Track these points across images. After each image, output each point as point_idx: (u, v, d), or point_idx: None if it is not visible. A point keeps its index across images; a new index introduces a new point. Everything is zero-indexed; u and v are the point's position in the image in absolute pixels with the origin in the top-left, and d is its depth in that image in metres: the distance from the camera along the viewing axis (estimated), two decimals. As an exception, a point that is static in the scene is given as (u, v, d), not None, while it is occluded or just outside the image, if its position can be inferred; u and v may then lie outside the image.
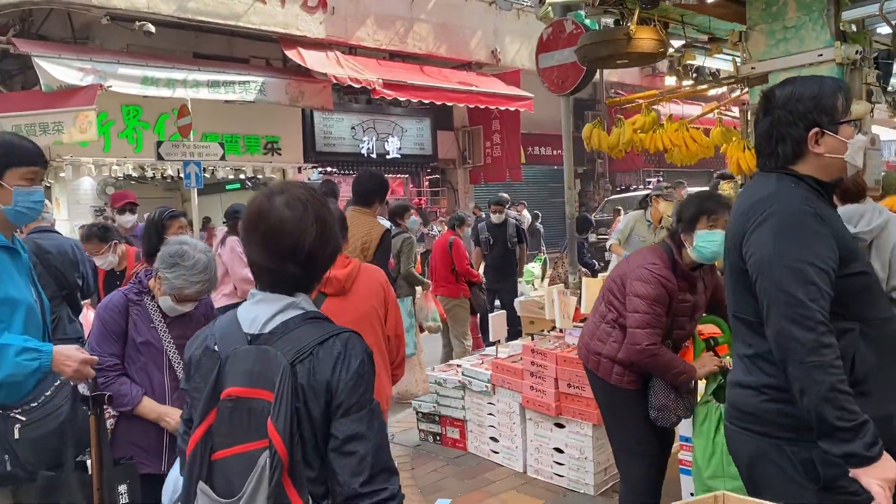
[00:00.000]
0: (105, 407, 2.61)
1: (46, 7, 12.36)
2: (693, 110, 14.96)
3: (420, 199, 18.30)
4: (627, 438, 3.23)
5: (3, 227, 2.57)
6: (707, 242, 3.08)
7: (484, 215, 13.22)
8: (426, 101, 15.62)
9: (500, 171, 18.90)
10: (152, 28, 12.64)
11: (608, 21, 5.01)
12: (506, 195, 10.86)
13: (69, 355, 2.37)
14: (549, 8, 5.50)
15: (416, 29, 16.11)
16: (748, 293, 2.06)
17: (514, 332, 6.59)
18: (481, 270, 8.56)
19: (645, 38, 4.34)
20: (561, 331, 4.59)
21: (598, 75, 5.87)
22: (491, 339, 5.51)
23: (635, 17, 4.34)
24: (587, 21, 5.52)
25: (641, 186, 21.63)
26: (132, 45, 13.26)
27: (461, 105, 16.86)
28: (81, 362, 2.37)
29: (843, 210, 3.26)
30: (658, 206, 7.00)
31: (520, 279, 10.00)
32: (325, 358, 1.61)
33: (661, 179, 22.24)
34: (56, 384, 2.55)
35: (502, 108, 17.30)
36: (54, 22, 13.04)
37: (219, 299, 6.37)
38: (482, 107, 16.84)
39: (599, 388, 3.27)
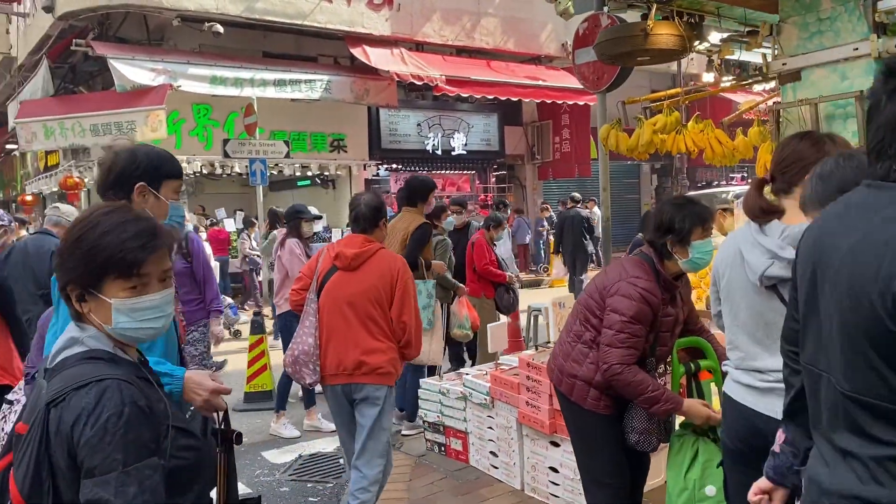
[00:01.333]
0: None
1: (123, 10, 12.89)
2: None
3: (486, 196, 18.16)
4: (597, 467, 3.01)
5: None
6: (704, 254, 2.89)
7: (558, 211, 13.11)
8: (490, 97, 15.47)
9: (569, 167, 18.55)
10: (220, 28, 12.99)
11: (635, 16, 4.78)
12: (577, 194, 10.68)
13: (200, 382, 2.04)
14: (570, 3, 5.29)
15: (483, 23, 15.97)
16: (890, 366, 1.33)
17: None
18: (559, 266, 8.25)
19: (664, 34, 4.10)
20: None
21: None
22: (489, 350, 5.38)
23: (652, 13, 4.11)
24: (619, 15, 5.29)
25: (724, 182, 20.80)
26: (203, 46, 13.68)
27: (528, 100, 16.61)
28: (213, 391, 2.02)
29: None
30: (724, 221, 6.47)
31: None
32: (74, 406, 1.42)
33: (746, 177, 21.30)
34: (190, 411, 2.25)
35: (571, 103, 16.95)
36: (131, 25, 13.59)
37: (281, 304, 6.40)
38: (549, 101, 16.55)
39: (571, 413, 3.05)
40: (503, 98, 15.59)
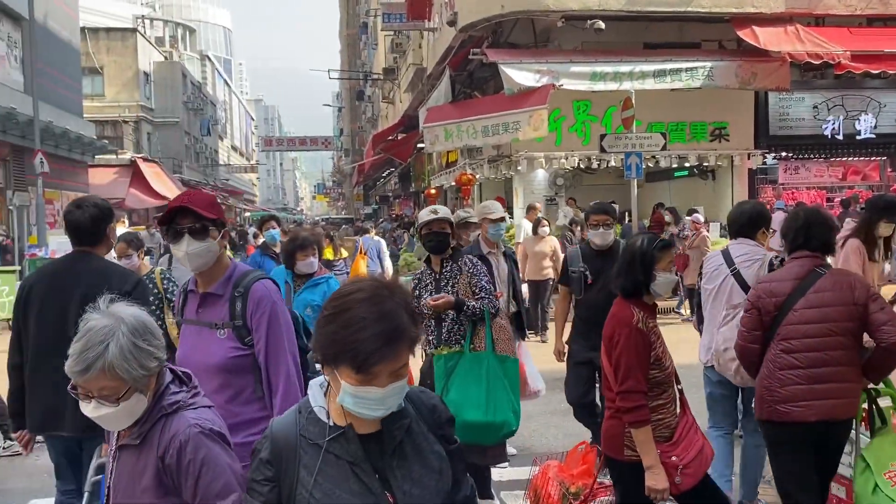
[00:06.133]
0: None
1: (513, 18, 13.84)
2: None
3: (899, 186, 15.58)
4: None
5: None
6: None
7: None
8: (909, 71, 13.17)
9: None
10: (602, 25, 13.19)
11: None
12: None
13: None
14: None
15: (904, -14, 13.67)
16: None
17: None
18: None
19: None
20: None
21: None
22: None
23: None
24: None
25: None
26: (586, 43, 14.02)
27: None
28: None
29: None
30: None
31: None
32: None
33: None
34: None
35: None
36: (520, 30, 14.53)
37: None
38: None
39: None
40: (927, 72, 13.17)
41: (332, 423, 1.65)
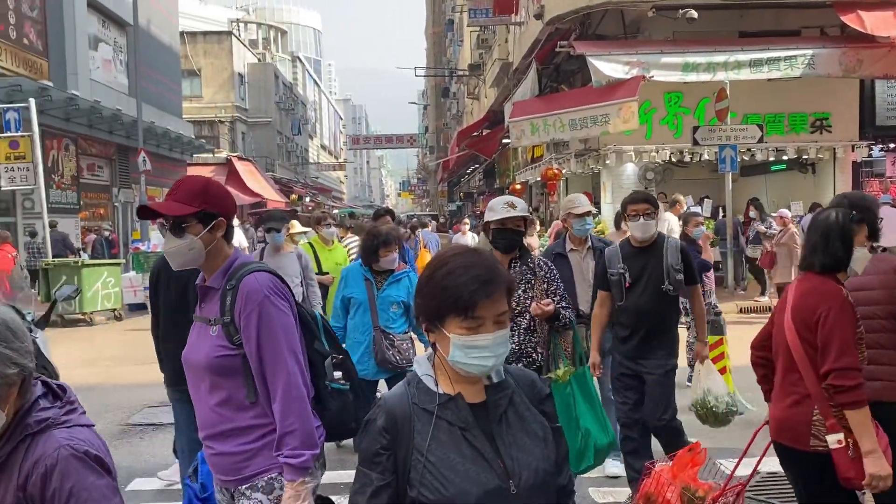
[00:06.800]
0: None
1: (601, 9, 13.60)
2: None
3: None
4: None
5: None
6: None
7: None
8: None
9: None
10: (695, 14, 12.79)
11: None
12: None
13: None
14: None
15: None
16: None
17: None
18: None
19: None
20: None
21: None
22: None
23: None
24: None
25: None
26: (677, 34, 13.64)
27: None
28: None
29: None
30: None
31: None
32: None
33: None
34: None
35: None
36: (608, 21, 14.26)
37: None
38: None
39: None
40: None
41: (441, 392, 1.69)
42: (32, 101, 12.70)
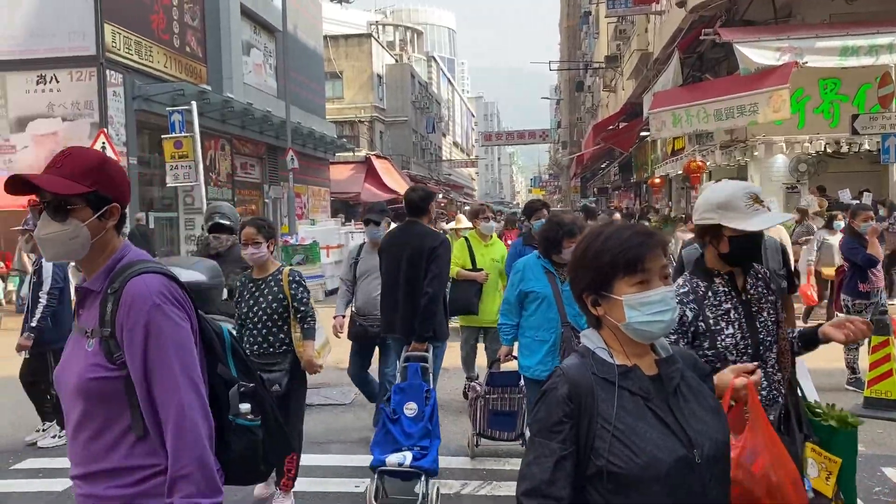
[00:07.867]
0: None
1: (750, -7, 12.98)
2: None
3: None
4: None
5: None
6: None
7: None
8: None
9: None
10: (855, -7, 11.96)
11: None
12: None
13: None
14: None
15: None
16: None
17: None
18: None
19: None
20: None
21: None
22: None
23: None
24: None
25: None
26: (834, 16, 12.82)
27: None
28: None
29: None
30: None
31: None
32: None
33: None
34: None
35: None
36: (757, 6, 13.58)
37: None
38: None
39: None
40: None
41: (617, 363, 1.69)
42: (194, 104, 13.67)
